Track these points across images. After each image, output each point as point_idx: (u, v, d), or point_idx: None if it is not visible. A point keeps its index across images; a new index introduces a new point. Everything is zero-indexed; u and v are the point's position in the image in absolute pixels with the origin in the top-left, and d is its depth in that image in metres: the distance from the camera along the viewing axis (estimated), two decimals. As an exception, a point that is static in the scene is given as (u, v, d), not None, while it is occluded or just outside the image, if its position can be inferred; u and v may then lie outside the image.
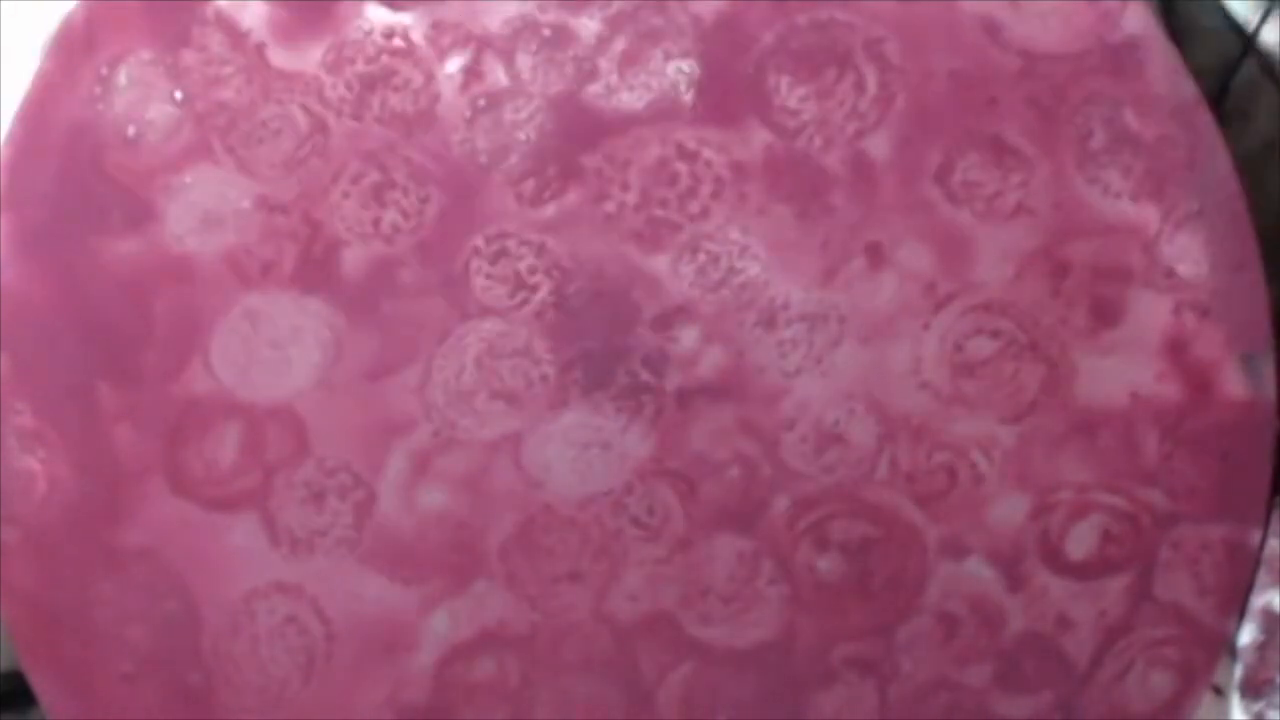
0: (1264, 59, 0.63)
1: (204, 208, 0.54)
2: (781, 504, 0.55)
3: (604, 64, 0.54)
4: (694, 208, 0.54)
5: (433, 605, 0.56)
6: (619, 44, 0.54)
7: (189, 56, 0.54)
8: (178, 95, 0.55)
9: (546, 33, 0.54)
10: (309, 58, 0.54)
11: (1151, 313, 0.54)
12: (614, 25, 0.54)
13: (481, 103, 0.54)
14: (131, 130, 0.54)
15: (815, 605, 0.55)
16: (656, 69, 0.54)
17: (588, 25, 0.54)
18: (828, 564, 0.55)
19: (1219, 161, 0.54)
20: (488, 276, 0.55)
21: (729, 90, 0.54)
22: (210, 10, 0.54)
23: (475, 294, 0.55)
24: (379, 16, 0.54)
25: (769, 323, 0.54)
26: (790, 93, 0.53)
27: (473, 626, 0.56)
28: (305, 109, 0.54)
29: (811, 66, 0.53)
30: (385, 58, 0.54)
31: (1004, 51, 0.53)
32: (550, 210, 0.54)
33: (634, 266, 0.54)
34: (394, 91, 0.54)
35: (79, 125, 0.55)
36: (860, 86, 0.53)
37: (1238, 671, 0.59)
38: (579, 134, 0.54)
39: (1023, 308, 0.54)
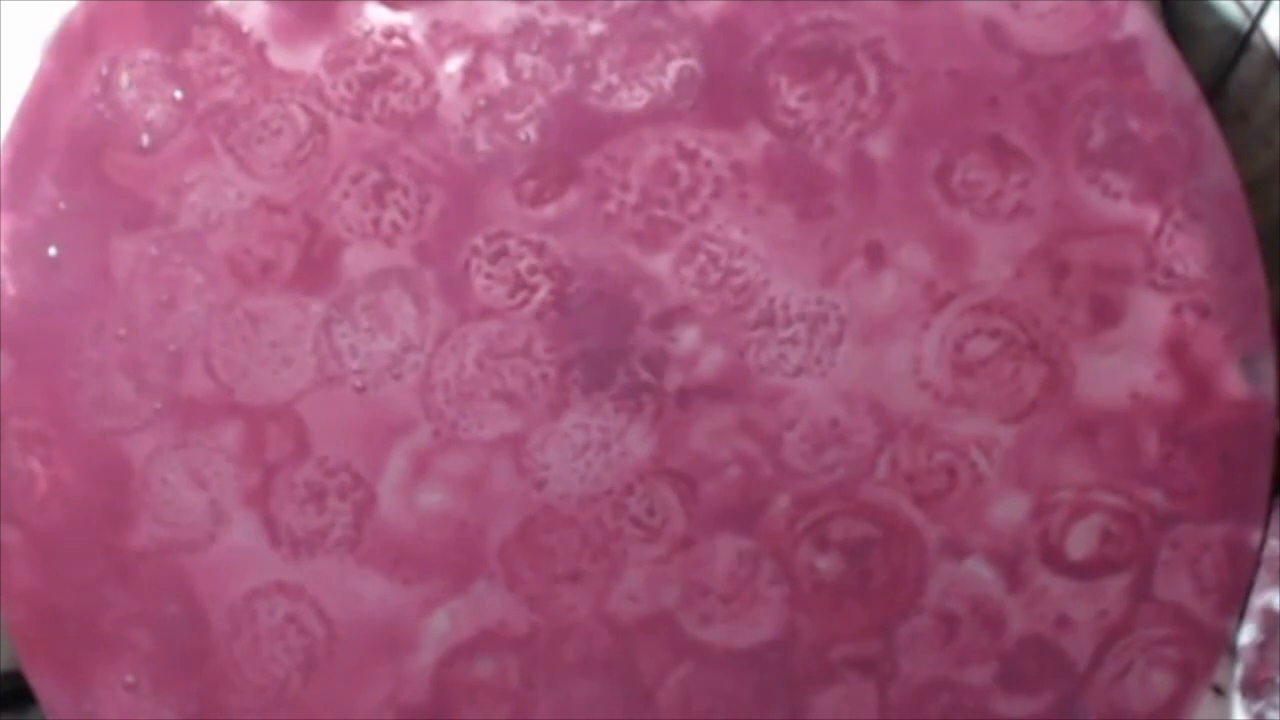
0: (1268, 48, 0.63)
1: (204, 208, 0.55)
2: (781, 504, 0.55)
3: (604, 64, 0.54)
4: (694, 208, 0.54)
5: (433, 605, 0.56)
6: (619, 44, 0.54)
7: (189, 56, 0.54)
8: (178, 95, 0.55)
9: (547, 33, 0.54)
10: (309, 58, 0.54)
11: (1151, 313, 0.54)
12: (614, 25, 0.54)
13: (481, 103, 0.54)
14: (133, 131, 0.54)
15: (815, 605, 0.55)
16: (656, 69, 0.54)
17: (588, 25, 0.54)
18: (828, 564, 0.55)
19: (1219, 161, 0.54)
20: (488, 276, 0.55)
21: (729, 90, 0.54)
22: (210, 10, 0.54)
23: (475, 294, 0.55)
24: (379, 16, 0.54)
25: (769, 323, 0.54)
26: (790, 93, 0.53)
27: (473, 626, 0.56)
28: (305, 109, 0.54)
29: (811, 66, 0.53)
30: (385, 58, 0.54)
31: (1004, 51, 0.53)
32: (550, 210, 0.54)
33: (634, 266, 0.54)
34: (394, 91, 0.54)
35: (79, 125, 0.55)
36: (860, 86, 0.53)
37: (1238, 671, 0.59)
38: (579, 134, 0.54)
39: (1023, 308, 0.54)
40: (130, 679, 0.57)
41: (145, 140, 0.54)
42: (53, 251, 0.55)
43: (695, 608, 0.55)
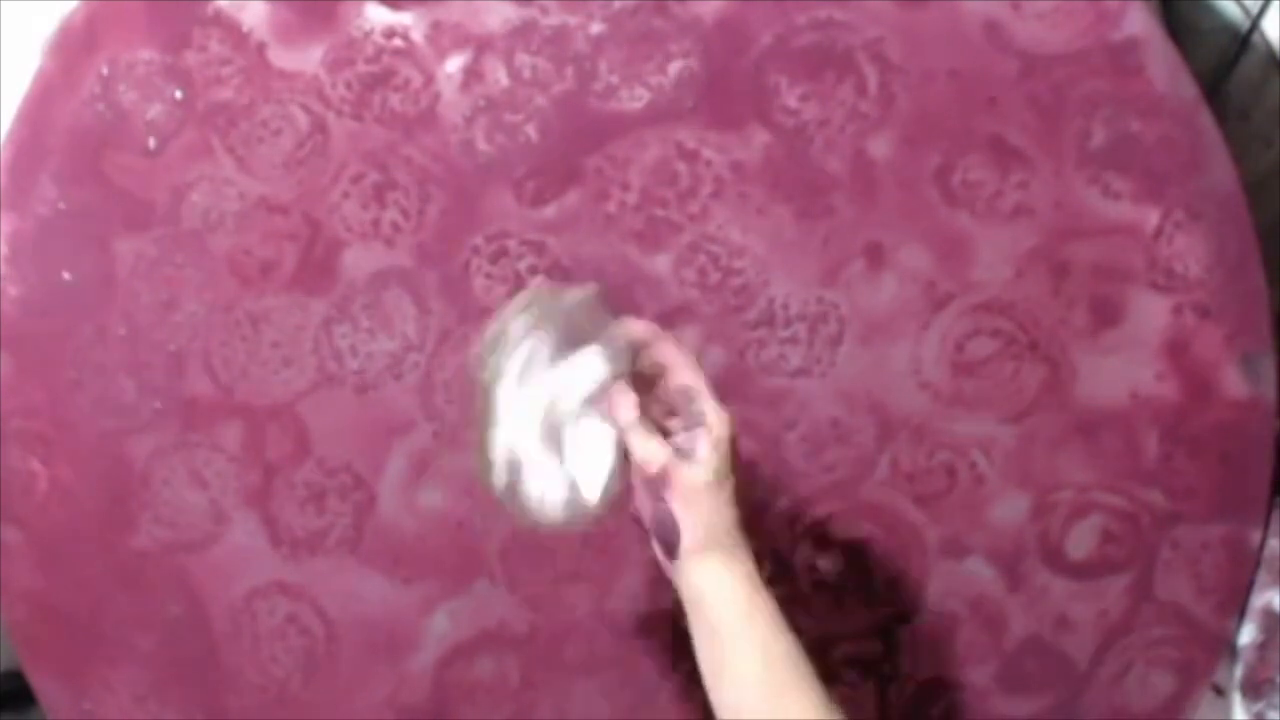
0: (1268, 48, 0.63)
1: (204, 208, 0.55)
2: (781, 504, 0.55)
3: (604, 64, 0.54)
4: (694, 208, 0.54)
5: (433, 605, 0.56)
6: (619, 44, 0.54)
7: (189, 56, 0.54)
8: (178, 95, 0.55)
9: (547, 33, 0.54)
10: (309, 58, 0.54)
11: (1151, 313, 0.54)
12: (614, 25, 0.54)
13: (481, 103, 0.54)
14: (134, 131, 0.54)
15: (815, 605, 0.55)
16: (656, 69, 0.54)
17: (588, 25, 0.54)
18: (828, 564, 0.55)
19: (1219, 161, 0.54)
20: (488, 276, 0.55)
21: (729, 90, 0.54)
22: (210, 10, 0.54)
23: (475, 294, 0.55)
24: (379, 16, 0.54)
25: (769, 323, 0.54)
26: (790, 93, 0.53)
27: (473, 626, 0.56)
28: (305, 109, 0.54)
29: (811, 66, 0.53)
30: (385, 58, 0.54)
31: (1004, 52, 0.53)
32: (550, 210, 0.54)
33: (634, 266, 0.54)
34: (394, 91, 0.54)
35: (79, 125, 0.55)
36: (860, 87, 0.53)
37: (1238, 671, 0.59)
38: (579, 134, 0.54)
39: (1023, 308, 0.54)
40: (131, 680, 0.57)
41: (146, 140, 0.54)
42: (53, 250, 0.55)
43: (695, 608, 0.55)
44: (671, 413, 0.45)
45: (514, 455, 0.44)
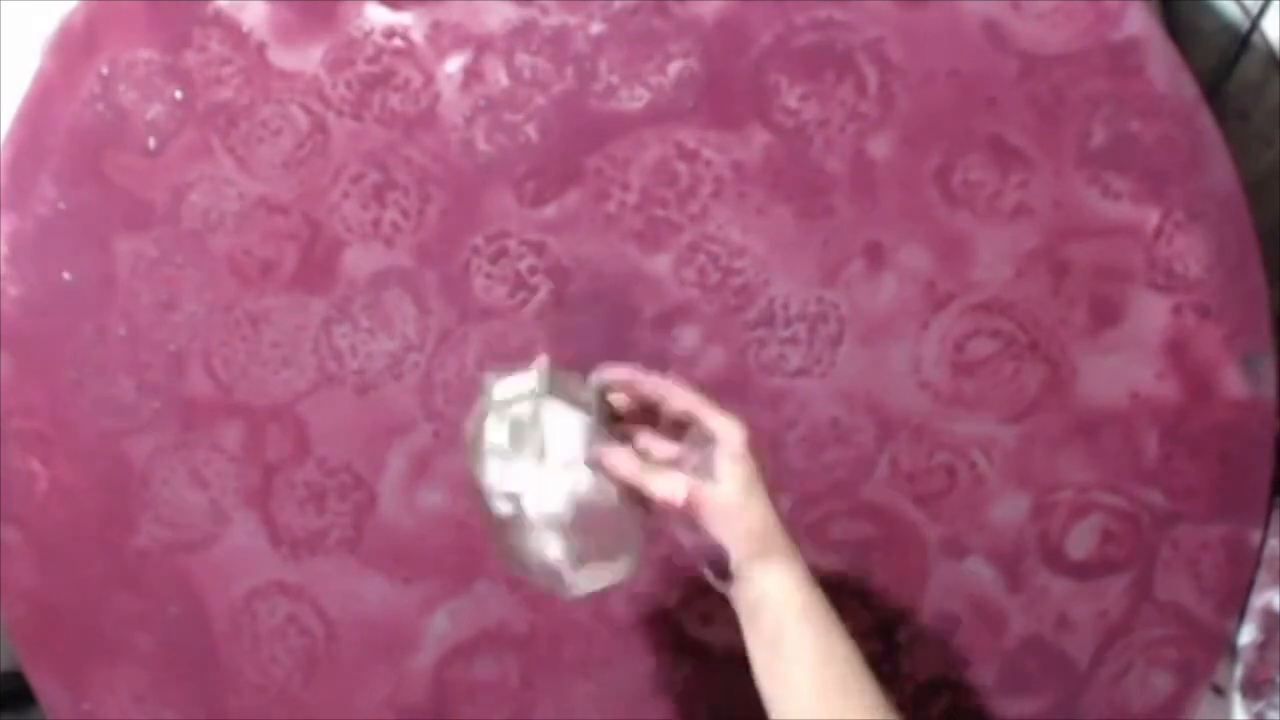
0: (1268, 48, 0.63)
1: (204, 208, 0.55)
2: (782, 504, 0.55)
3: (604, 64, 0.54)
4: (694, 208, 0.54)
5: (433, 605, 0.56)
6: (619, 44, 0.54)
7: (189, 56, 0.54)
8: (178, 95, 0.55)
9: (547, 33, 0.54)
10: (309, 58, 0.54)
11: (1151, 313, 0.54)
12: (614, 25, 0.54)
13: (481, 103, 0.54)
14: (134, 131, 0.54)
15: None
16: (656, 69, 0.54)
17: (588, 25, 0.54)
18: (828, 564, 0.55)
19: (1219, 161, 0.54)
20: (488, 276, 0.55)
21: (729, 90, 0.54)
22: (210, 10, 0.54)
23: (475, 294, 0.55)
24: (379, 16, 0.54)
25: (769, 323, 0.54)
26: (790, 93, 0.53)
27: (473, 627, 0.56)
28: (305, 109, 0.54)
29: (811, 66, 0.53)
30: (385, 58, 0.54)
31: (1004, 51, 0.53)
32: (550, 210, 0.54)
33: (634, 266, 0.54)
34: (394, 91, 0.54)
35: (79, 125, 0.55)
36: (860, 87, 0.53)
37: (1238, 671, 0.59)
38: (579, 134, 0.54)
39: (1023, 308, 0.54)
40: (131, 680, 0.57)
41: (146, 140, 0.54)
42: (53, 250, 0.55)
43: (695, 608, 0.55)
44: (678, 437, 0.44)
45: (513, 517, 0.44)
